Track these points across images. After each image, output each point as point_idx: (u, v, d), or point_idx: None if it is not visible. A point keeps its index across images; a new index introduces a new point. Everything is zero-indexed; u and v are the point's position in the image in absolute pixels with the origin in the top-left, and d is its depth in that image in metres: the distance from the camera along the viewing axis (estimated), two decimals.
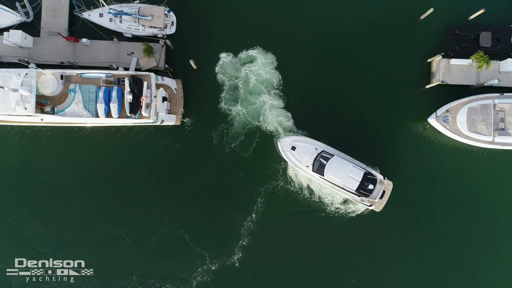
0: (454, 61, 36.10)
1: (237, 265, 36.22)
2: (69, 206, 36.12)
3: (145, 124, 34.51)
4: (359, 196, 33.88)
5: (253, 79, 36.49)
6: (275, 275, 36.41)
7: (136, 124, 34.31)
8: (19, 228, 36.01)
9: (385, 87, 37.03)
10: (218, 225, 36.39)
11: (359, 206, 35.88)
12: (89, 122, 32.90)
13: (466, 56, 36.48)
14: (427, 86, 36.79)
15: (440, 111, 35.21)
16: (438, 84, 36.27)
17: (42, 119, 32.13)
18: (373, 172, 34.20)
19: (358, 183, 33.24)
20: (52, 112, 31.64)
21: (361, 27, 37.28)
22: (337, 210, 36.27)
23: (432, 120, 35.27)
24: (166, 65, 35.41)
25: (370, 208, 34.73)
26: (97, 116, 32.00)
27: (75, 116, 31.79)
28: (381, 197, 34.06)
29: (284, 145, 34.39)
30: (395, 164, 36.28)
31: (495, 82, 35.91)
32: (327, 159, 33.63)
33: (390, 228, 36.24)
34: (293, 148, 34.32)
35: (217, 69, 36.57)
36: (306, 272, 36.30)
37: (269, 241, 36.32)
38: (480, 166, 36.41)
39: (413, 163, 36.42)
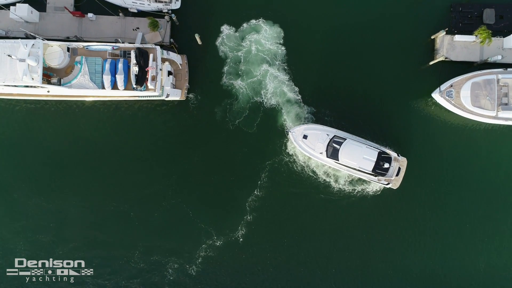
0: (457, 38, 36.29)
1: (241, 240, 36.28)
2: (71, 182, 36.22)
3: (151, 99, 34.68)
4: (375, 176, 34.00)
5: (257, 48, 36.58)
6: (278, 250, 36.52)
7: (142, 98, 34.43)
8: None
9: (389, 64, 37.21)
10: (222, 200, 36.50)
11: (364, 180, 36.11)
12: (95, 94, 33.06)
13: (469, 33, 36.66)
14: (431, 63, 36.99)
15: (444, 86, 35.34)
16: (442, 61, 36.48)
17: (48, 91, 32.28)
18: (387, 150, 34.29)
19: (374, 163, 33.43)
20: (59, 84, 31.82)
21: (366, 5, 37.44)
22: (340, 185, 36.47)
23: (436, 95, 35.41)
24: (172, 40, 35.62)
25: (388, 186, 34.80)
26: (103, 87, 32.18)
27: (82, 88, 31.98)
28: (397, 174, 34.18)
29: (295, 135, 34.54)
30: (400, 140, 36.36)
31: (498, 58, 36.07)
32: (340, 144, 33.77)
33: (395, 201, 36.48)
34: (305, 136, 34.44)
35: (219, 41, 36.73)
36: (307, 248, 36.43)
37: (273, 216, 36.43)
38: (483, 140, 36.55)
39: (418, 139, 36.63)
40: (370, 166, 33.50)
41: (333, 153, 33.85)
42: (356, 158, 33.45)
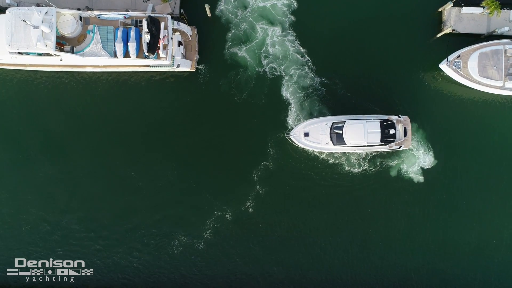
0: (465, 10, 36.60)
1: (250, 211, 36.60)
2: (77, 152, 36.53)
3: (161, 70, 35.09)
4: (386, 144, 34.52)
5: (266, 16, 37.06)
6: (287, 222, 36.98)
7: (152, 69, 34.81)
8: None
9: (398, 36, 37.40)
10: (230, 172, 36.82)
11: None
12: (107, 63, 33.42)
13: (477, 5, 36.91)
14: (439, 35, 37.28)
15: (452, 56, 35.70)
16: (449, 33, 36.74)
17: (61, 60, 32.67)
18: (387, 117, 34.74)
19: (380, 133, 33.89)
20: (72, 52, 32.22)
21: None
22: (350, 155, 36.90)
23: (443, 66, 35.76)
24: (182, 10, 35.95)
25: (401, 149, 35.43)
26: (115, 56, 32.57)
27: (94, 56, 32.37)
28: (405, 135, 34.69)
29: (297, 136, 34.83)
30: (408, 110, 36.66)
31: (505, 29, 36.41)
32: (341, 128, 34.11)
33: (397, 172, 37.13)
34: (306, 134, 34.70)
35: (226, 9, 36.96)
36: (317, 218, 36.89)
37: (282, 188, 36.83)
38: (490, 111, 37.05)
39: (426, 108, 36.95)
40: (377, 138, 33.96)
41: (338, 139, 34.22)
42: (362, 135, 33.86)
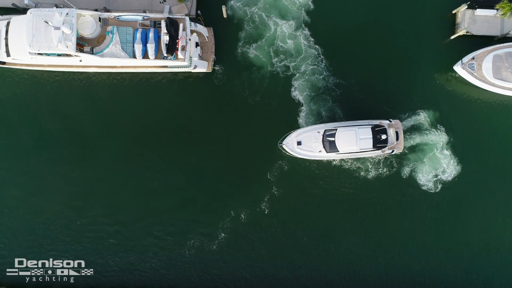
0: (479, 12, 36.90)
1: (266, 212, 36.83)
2: (92, 153, 36.72)
3: (178, 70, 35.41)
4: (379, 149, 34.71)
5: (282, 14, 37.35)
6: (298, 223, 37.35)
7: (169, 70, 35.14)
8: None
9: (411, 38, 37.72)
10: (244, 173, 37.09)
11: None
12: (126, 64, 33.71)
13: (491, 7, 37.20)
14: (452, 37, 37.57)
15: (466, 58, 36.02)
16: (463, 35, 37.04)
17: (81, 60, 32.99)
18: (378, 122, 34.98)
19: (371, 139, 34.05)
20: (91, 52, 32.53)
21: None
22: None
23: (458, 68, 36.08)
24: (199, 12, 36.24)
25: (394, 153, 35.62)
26: (134, 57, 32.89)
27: (113, 56, 32.69)
28: (397, 139, 34.84)
29: (289, 145, 34.97)
30: (422, 112, 37.23)
31: None
32: (333, 135, 34.27)
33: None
34: (299, 143, 34.85)
35: (241, 9, 37.26)
36: (327, 219, 37.21)
37: (296, 188, 37.12)
38: (503, 113, 37.42)
39: (440, 111, 37.25)
40: (369, 144, 34.15)
41: (331, 147, 34.38)
42: (354, 142, 34.02)
